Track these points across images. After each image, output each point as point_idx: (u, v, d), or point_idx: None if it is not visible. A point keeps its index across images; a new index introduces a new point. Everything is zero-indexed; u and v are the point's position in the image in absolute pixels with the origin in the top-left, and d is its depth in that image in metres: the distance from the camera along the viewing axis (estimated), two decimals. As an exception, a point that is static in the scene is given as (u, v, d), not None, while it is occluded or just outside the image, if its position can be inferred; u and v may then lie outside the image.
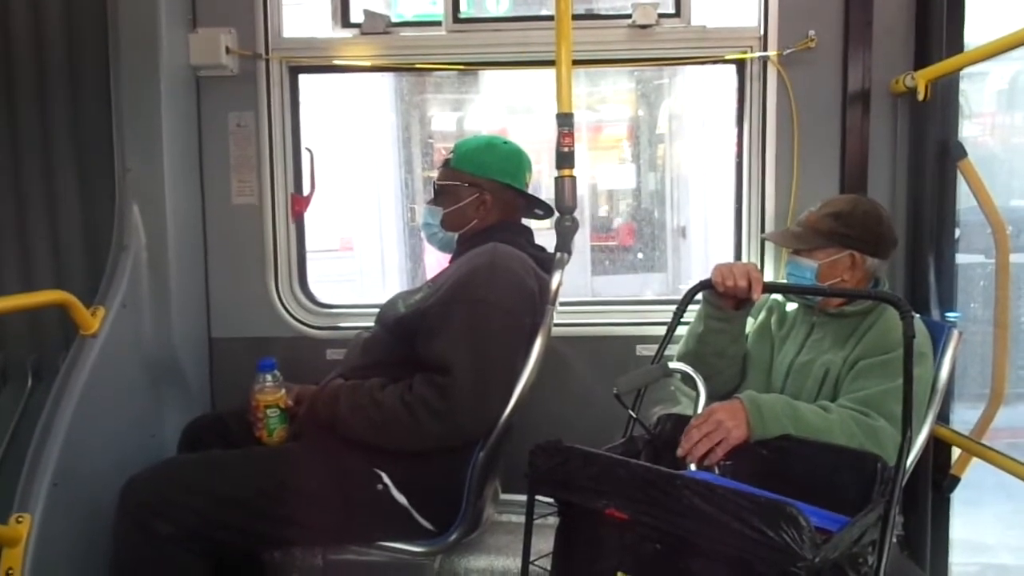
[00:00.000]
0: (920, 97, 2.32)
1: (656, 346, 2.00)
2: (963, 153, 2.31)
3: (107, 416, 2.17)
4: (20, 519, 1.86)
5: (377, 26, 2.68)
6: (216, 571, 1.96)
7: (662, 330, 2.00)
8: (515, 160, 2.23)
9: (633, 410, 1.81)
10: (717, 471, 1.79)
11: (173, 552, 1.85)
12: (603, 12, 2.69)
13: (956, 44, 2.37)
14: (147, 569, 1.86)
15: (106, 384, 2.16)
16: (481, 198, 2.18)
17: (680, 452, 1.71)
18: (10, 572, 1.82)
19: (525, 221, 2.30)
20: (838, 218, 2.04)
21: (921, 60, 2.45)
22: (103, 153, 2.47)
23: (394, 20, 2.74)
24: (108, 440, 2.16)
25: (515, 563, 2.07)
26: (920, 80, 2.32)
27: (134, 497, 1.89)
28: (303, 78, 2.78)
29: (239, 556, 2.05)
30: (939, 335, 2.07)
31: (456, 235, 2.23)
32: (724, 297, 1.93)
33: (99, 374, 2.12)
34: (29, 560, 1.85)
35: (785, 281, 2.22)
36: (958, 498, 2.40)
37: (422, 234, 2.35)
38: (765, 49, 2.58)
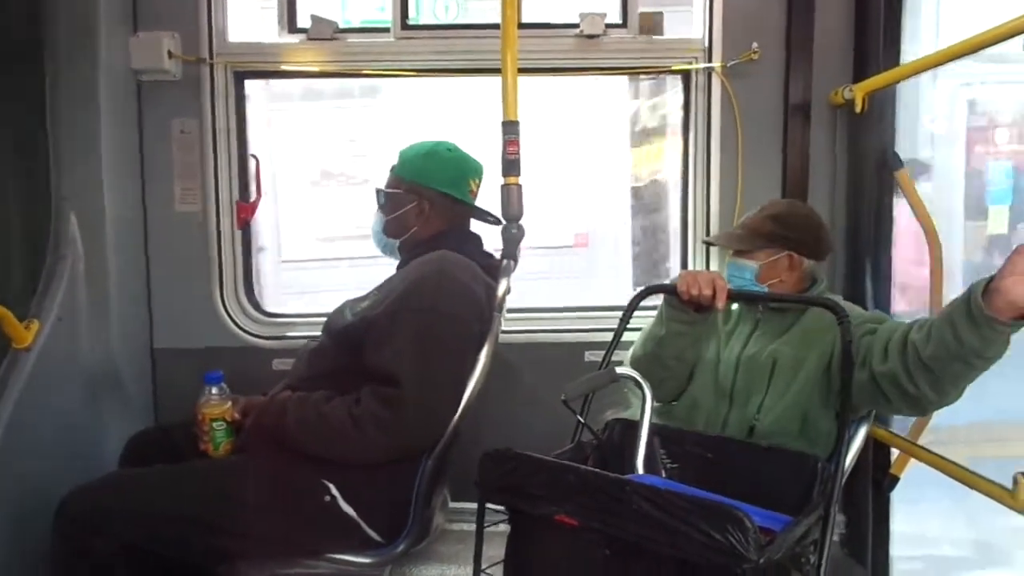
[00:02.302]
0: (858, 109, 2.39)
1: (603, 351, 2.03)
2: (900, 164, 2.38)
3: (42, 432, 2.10)
4: None
5: (324, 32, 2.66)
6: (160, 586, 1.92)
7: (610, 336, 2.02)
8: (455, 167, 2.18)
9: (582, 416, 1.82)
10: (664, 474, 1.82)
11: (112, 570, 1.79)
12: (552, 22, 2.69)
13: (892, 58, 2.45)
14: None
15: (41, 399, 2.09)
16: (420, 206, 2.16)
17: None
18: None
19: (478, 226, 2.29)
20: (777, 220, 2.11)
21: (859, 73, 2.53)
22: (39, 159, 2.39)
23: (341, 26, 2.72)
24: (44, 457, 2.09)
25: (466, 571, 2.06)
26: (858, 92, 2.39)
27: (71, 513, 1.83)
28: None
29: (184, 572, 2.00)
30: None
31: (398, 243, 2.21)
32: (687, 303, 1.95)
33: (33, 389, 2.05)
34: None
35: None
36: (900, 495, 2.47)
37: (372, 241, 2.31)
38: (710, 60, 2.63)
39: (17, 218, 2.50)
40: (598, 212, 6.45)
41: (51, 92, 2.34)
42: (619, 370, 1.78)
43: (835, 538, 1.45)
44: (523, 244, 2.16)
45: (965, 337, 1.54)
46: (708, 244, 2.68)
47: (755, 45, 2.58)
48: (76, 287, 2.31)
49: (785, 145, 2.63)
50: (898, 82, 2.35)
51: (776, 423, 1.94)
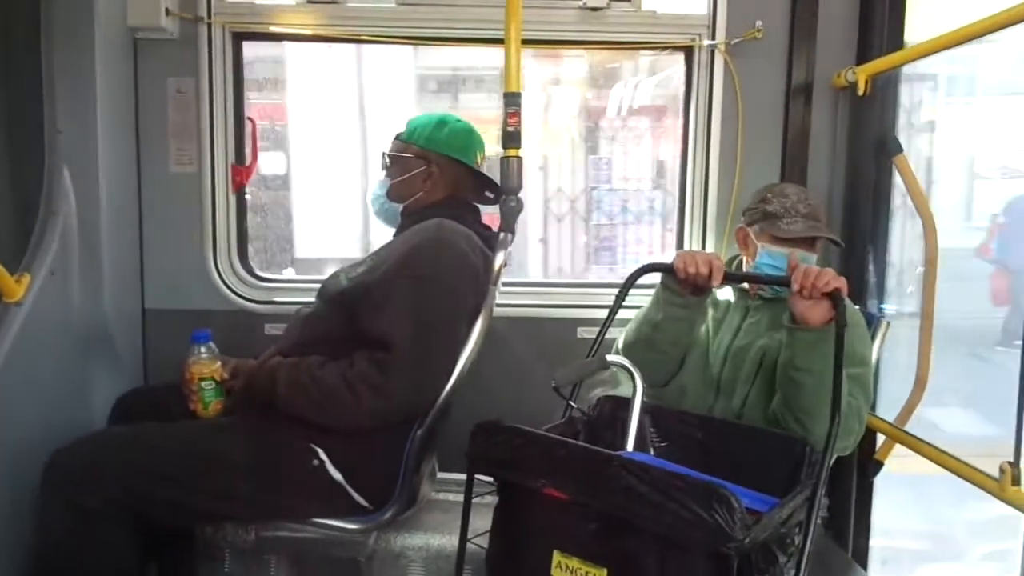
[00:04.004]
0: (860, 92, 2.38)
1: (597, 329, 2.03)
2: (899, 148, 2.38)
3: (32, 387, 2.09)
4: None
5: (326, -7, 2.62)
6: (145, 547, 1.92)
7: (604, 313, 2.01)
8: (465, 137, 2.23)
9: (572, 398, 1.83)
10: (652, 452, 1.83)
11: (100, 527, 1.80)
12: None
13: (896, 41, 2.43)
14: (72, 545, 1.80)
15: (31, 354, 2.08)
16: (428, 170, 2.18)
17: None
18: None
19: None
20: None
21: (862, 56, 2.51)
22: (33, 114, 2.36)
23: (343, -11, 2.68)
24: (32, 412, 2.08)
25: (451, 541, 2.08)
26: (860, 75, 2.37)
27: (59, 470, 1.83)
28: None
29: (169, 531, 2.01)
30: (870, 324, 2.15)
31: (401, 207, 2.22)
32: (683, 284, 1.94)
33: (23, 343, 2.04)
34: None
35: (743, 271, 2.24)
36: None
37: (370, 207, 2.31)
38: (713, 37, 2.61)
39: (9, 174, 2.48)
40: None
41: (46, 47, 2.30)
42: (609, 358, 1.79)
43: (818, 521, 1.45)
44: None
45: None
46: (707, 228, 2.65)
47: (759, 23, 2.55)
48: (69, 244, 2.29)
49: (786, 126, 2.61)
50: (902, 66, 2.34)
51: (761, 416, 1.94)
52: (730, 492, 1.18)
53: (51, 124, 2.32)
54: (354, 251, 5.39)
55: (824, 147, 2.61)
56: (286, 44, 3.79)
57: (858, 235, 2.51)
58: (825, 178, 2.61)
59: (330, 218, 6.04)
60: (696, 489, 1.20)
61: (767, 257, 2.02)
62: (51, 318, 2.19)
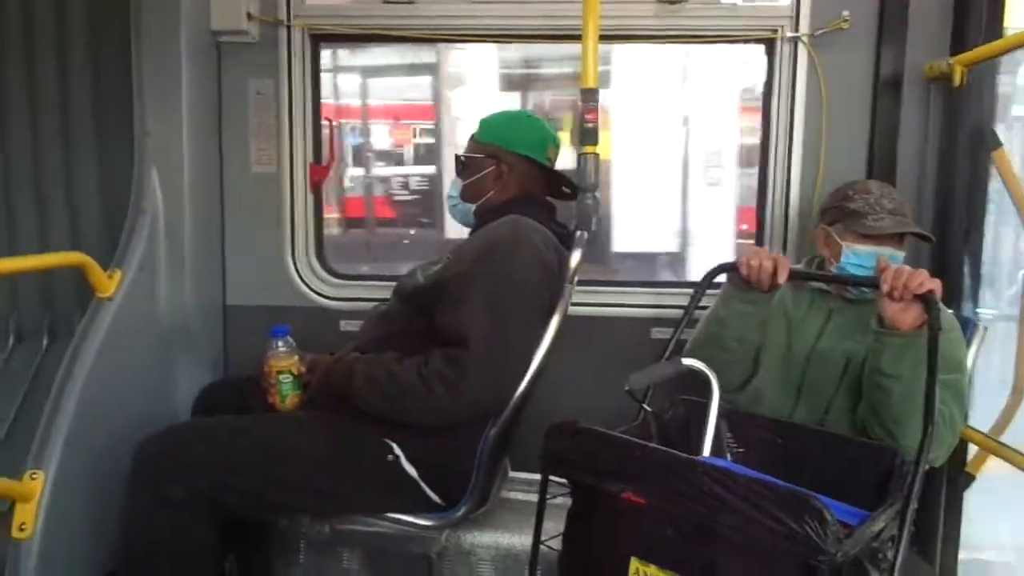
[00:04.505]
0: (955, 83, 2.26)
1: (672, 329, 1.99)
2: (998, 143, 2.25)
3: (121, 379, 2.17)
4: (34, 476, 1.87)
5: (401, -6, 2.64)
6: (225, 537, 1.97)
7: (678, 313, 1.97)
8: (537, 134, 2.21)
9: (645, 401, 1.79)
10: (729, 457, 1.78)
11: (183, 516, 1.84)
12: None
13: (995, 29, 2.30)
14: (157, 532, 1.85)
15: (121, 347, 2.16)
16: (499, 170, 2.18)
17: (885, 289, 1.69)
18: (23, 527, 1.83)
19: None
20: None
21: (958, 45, 2.38)
22: (122, 116, 2.45)
23: (419, -12, 2.69)
24: (121, 402, 2.16)
25: (521, 541, 2.07)
26: (956, 66, 2.25)
27: (146, 461, 1.89)
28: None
29: (248, 523, 2.06)
30: (965, 330, 2.04)
31: (474, 207, 2.22)
32: (749, 280, 1.89)
33: (114, 337, 2.12)
34: (42, 516, 1.86)
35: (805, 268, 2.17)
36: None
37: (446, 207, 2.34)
38: (796, 29, 2.52)
39: (99, 174, 2.59)
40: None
41: (135, 51, 2.40)
42: (685, 361, 1.75)
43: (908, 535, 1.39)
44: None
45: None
46: (789, 225, 2.57)
47: (845, 13, 2.45)
48: (156, 241, 2.37)
49: (873, 120, 2.50)
50: (1001, 55, 2.21)
51: (847, 425, 1.87)
52: (822, 503, 1.13)
53: (140, 125, 2.41)
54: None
55: (914, 142, 2.49)
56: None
57: (951, 235, 2.39)
58: (915, 174, 2.49)
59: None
60: (785, 499, 1.15)
61: (853, 257, 1.95)
62: (139, 313, 2.27)
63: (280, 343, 2.04)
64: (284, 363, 2.03)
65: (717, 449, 1.74)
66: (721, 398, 1.73)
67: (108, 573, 2.03)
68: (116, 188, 2.51)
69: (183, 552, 1.87)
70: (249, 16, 2.56)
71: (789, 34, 2.53)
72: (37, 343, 2.62)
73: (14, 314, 2.64)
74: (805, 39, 2.50)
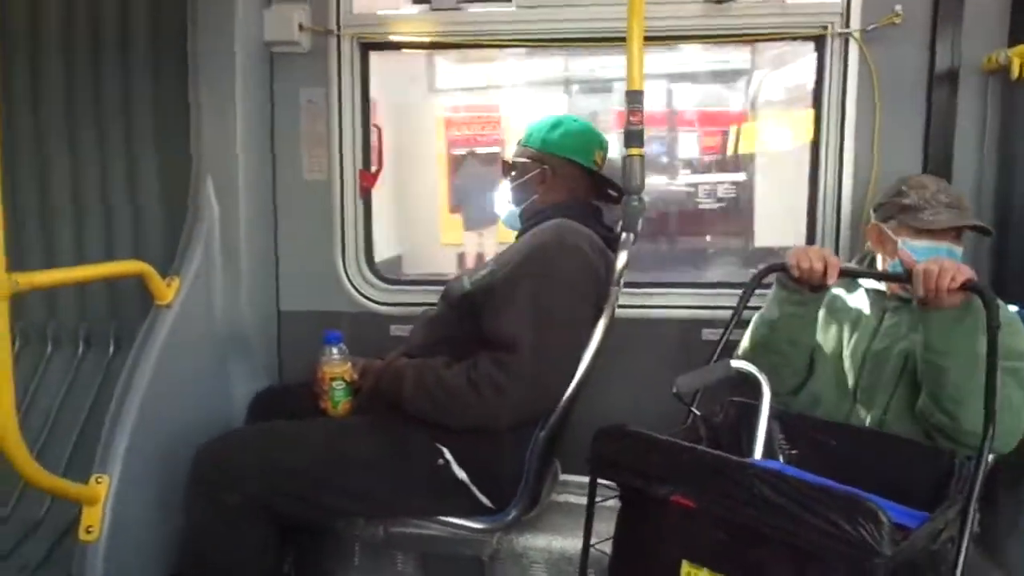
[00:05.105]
0: (1014, 75, 2.19)
1: (722, 330, 1.97)
2: None
3: (179, 385, 2.23)
4: (99, 479, 1.93)
5: (447, 1, 2.67)
6: (281, 540, 2.01)
7: (728, 314, 1.95)
8: (582, 138, 2.23)
9: (694, 404, 1.78)
10: (781, 459, 1.75)
11: (240, 521, 1.90)
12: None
13: (1056, 19, 2.23)
14: (216, 537, 1.91)
15: (179, 353, 2.22)
16: (543, 173, 2.20)
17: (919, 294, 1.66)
18: (90, 529, 1.89)
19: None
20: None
21: (1016, 36, 2.31)
22: (181, 126, 2.53)
23: (465, -5, 2.72)
24: (180, 407, 2.22)
25: (572, 544, 2.07)
26: (1015, 57, 2.18)
27: (202, 469, 1.95)
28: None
29: (304, 526, 2.09)
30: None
31: (519, 211, 2.24)
32: (799, 281, 1.86)
33: (173, 343, 2.18)
34: (108, 519, 1.92)
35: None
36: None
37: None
38: (847, 25, 2.47)
39: (159, 183, 2.67)
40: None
41: (192, 63, 2.47)
42: (734, 363, 1.73)
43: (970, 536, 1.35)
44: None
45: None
46: (840, 224, 2.52)
47: (898, 7, 2.39)
48: (212, 249, 2.43)
49: (928, 116, 2.43)
50: (1063, 46, 2.14)
51: (907, 427, 1.82)
52: (877, 505, 1.10)
53: (196, 135, 2.47)
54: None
55: (972, 136, 2.42)
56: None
57: (1011, 229, 2.32)
58: (973, 169, 2.42)
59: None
60: (839, 501, 1.13)
61: (909, 252, 1.90)
62: (196, 320, 2.33)
63: (334, 350, 2.08)
64: (337, 370, 2.07)
65: (769, 451, 1.72)
66: (775, 400, 1.71)
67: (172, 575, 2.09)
68: (176, 197, 2.58)
69: (242, 556, 1.92)
70: (300, 27, 2.61)
71: (839, 30, 2.48)
72: (104, 350, 2.70)
73: (84, 323, 2.73)
74: (856, 35, 2.45)
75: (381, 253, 2.97)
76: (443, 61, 3.97)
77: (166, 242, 2.60)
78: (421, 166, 4.01)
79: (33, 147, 2.72)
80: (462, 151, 4.09)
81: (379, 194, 2.90)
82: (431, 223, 4.13)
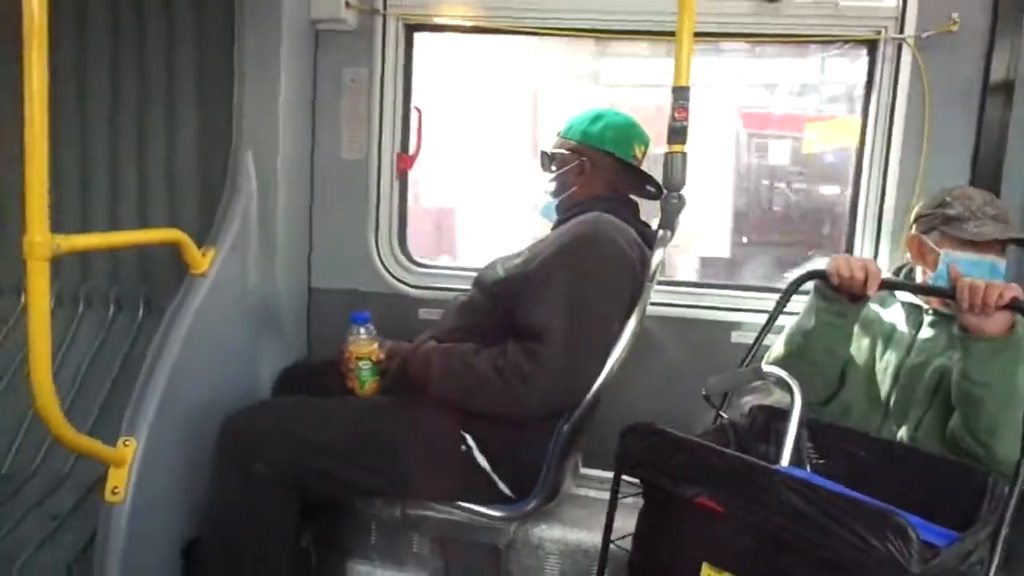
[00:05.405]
0: (1071, 90, 2.14)
1: (754, 334, 1.94)
2: None
3: (210, 353, 2.25)
4: (127, 442, 1.96)
5: (495, -15, 2.65)
6: (302, 513, 2.03)
7: (760, 318, 1.92)
8: (621, 131, 2.21)
9: (722, 409, 1.76)
10: (808, 468, 1.73)
11: (266, 491, 1.91)
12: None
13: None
14: (240, 505, 1.93)
15: (211, 323, 2.24)
16: (581, 165, 2.19)
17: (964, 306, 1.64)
18: (116, 490, 1.92)
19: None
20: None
21: (1076, 49, 2.25)
22: (223, 98, 2.54)
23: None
24: (209, 376, 2.24)
25: (589, 537, 2.07)
26: (1073, 71, 2.13)
27: (232, 436, 1.96)
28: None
29: (324, 501, 2.11)
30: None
31: (557, 202, 2.23)
32: (838, 290, 1.83)
33: (205, 313, 2.20)
34: (133, 481, 1.94)
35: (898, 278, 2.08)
36: None
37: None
38: (902, 31, 2.42)
39: (197, 154, 2.69)
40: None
41: (238, 36, 2.48)
42: (766, 368, 1.71)
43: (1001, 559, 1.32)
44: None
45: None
46: (881, 234, 2.48)
47: (955, 15, 2.34)
48: (248, 222, 2.45)
49: (979, 128, 2.38)
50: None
51: (938, 444, 1.79)
52: (907, 521, 1.08)
53: (239, 108, 2.49)
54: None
55: (1023, 151, 2.37)
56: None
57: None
58: (1022, 184, 2.37)
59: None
60: (868, 514, 1.11)
61: (964, 265, 1.84)
62: (229, 291, 2.35)
63: (361, 329, 2.08)
64: (364, 350, 2.07)
65: (797, 459, 1.69)
66: (805, 409, 1.68)
67: (193, 540, 2.12)
68: (214, 168, 2.60)
69: (264, 525, 1.94)
70: (347, 4, 2.61)
71: (893, 35, 2.43)
72: (135, 314, 2.74)
73: (116, 286, 2.77)
74: (911, 41, 2.40)
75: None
76: (608, 56, 3.83)
77: (201, 213, 2.62)
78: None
79: (76, 115, 2.74)
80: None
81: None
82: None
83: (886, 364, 1.93)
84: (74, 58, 2.72)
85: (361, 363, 2.08)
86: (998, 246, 1.86)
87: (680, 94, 1.98)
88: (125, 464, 1.94)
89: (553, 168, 2.24)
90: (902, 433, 1.85)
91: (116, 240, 2.26)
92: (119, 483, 1.92)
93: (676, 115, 2.00)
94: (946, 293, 1.76)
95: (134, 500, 1.93)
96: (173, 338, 2.13)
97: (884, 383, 1.92)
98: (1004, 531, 1.30)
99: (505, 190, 5.01)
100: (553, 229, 2.21)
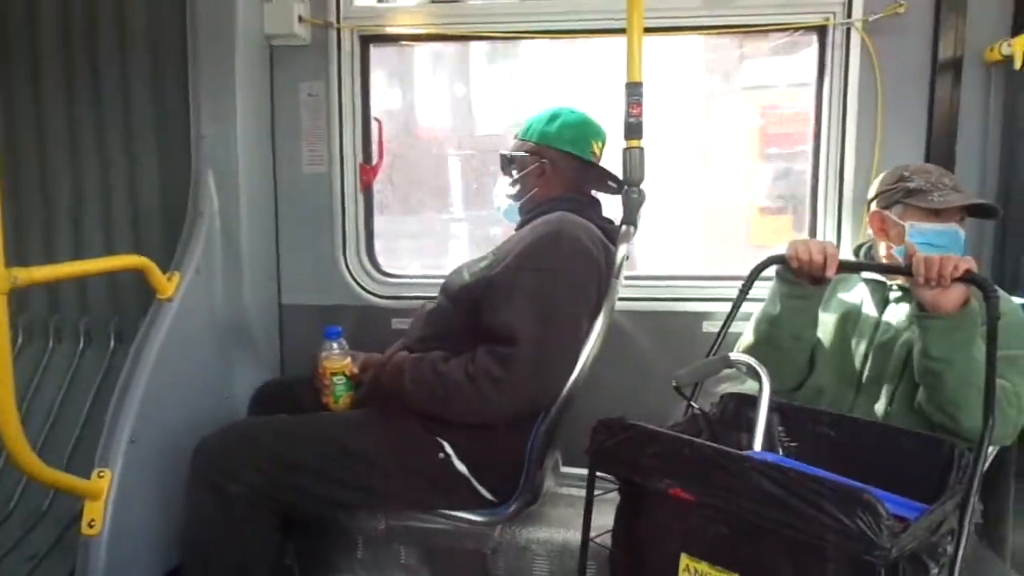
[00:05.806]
0: (1018, 65, 2.18)
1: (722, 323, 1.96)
2: None
3: (181, 378, 2.24)
4: (101, 474, 1.94)
5: (448, -7, 2.66)
6: (283, 531, 2.01)
7: (729, 307, 1.94)
8: (579, 129, 2.21)
9: (693, 399, 1.77)
10: (781, 452, 1.75)
11: (242, 512, 1.90)
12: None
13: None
14: (219, 527, 1.91)
15: (181, 347, 2.22)
16: (542, 167, 2.19)
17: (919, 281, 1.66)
18: (92, 523, 1.90)
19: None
20: None
21: (1020, 26, 2.30)
22: (181, 121, 2.52)
23: (466, -13, 2.71)
24: (182, 401, 2.23)
25: (575, 536, 2.05)
26: (1017, 47, 2.18)
27: (206, 459, 1.95)
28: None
29: (305, 518, 2.10)
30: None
31: (519, 204, 2.23)
32: (799, 274, 1.85)
33: (174, 337, 2.19)
34: (110, 513, 1.92)
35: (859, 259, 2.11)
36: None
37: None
38: (849, 15, 2.46)
39: (159, 179, 2.67)
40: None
41: (192, 57, 2.47)
42: (733, 356, 1.72)
43: (971, 528, 1.34)
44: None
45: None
46: (842, 217, 2.51)
47: None
48: (212, 243, 2.43)
49: (931, 107, 2.43)
50: (1067, 36, 2.13)
51: (910, 417, 1.81)
52: (875, 497, 1.10)
53: (196, 129, 2.47)
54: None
55: (975, 128, 2.42)
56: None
57: (1014, 220, 2.31)
58: (976, 160, 2.42)
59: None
60: (837, 493, 1.13)
61: (918, 235, 1.87)
62: (197, 313, 2.33)
63: (334, 344, 2.08)
64: (337, 365, 2.07)
65: (769, 443, 1.71)
66: (776, 394, 1.70)
67: (175, 568, 2.10)
68: (177, 192, 2.58)
69: (243, 547, 1.92)
70: (300, 19, 2.61)
71: (842, 21, 2.47)
72: (105, 345, 2.71)
73: (85, 318, 2.74)
74: (859, 25, 2.44)
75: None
76: (750, 56, 3.77)
77: (166, 238, 2.60)
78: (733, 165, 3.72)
79: (34, 145, 2.72)
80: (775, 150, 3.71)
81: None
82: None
83: (855, 343, 1.96)
84: (29, 88, 2.69)
85: (335, 378, 2.08)
86: (959, 216, 1.89)
87: (633, 90, 2.00)
88: (101, 496, 1.92)
89: (513, 172, 2.23)
90: (877, 407, 1.87)
91: (77, 269, 2.24)
92: (95, 516, 1.91)
93: (631, 111, 2.02)
94: (902, 270, 1.78)
95: (111, 532, 1.91)
96: (142, 366, 2.11)
97: (855, 362, 1.94)
98: (973, 500, 1.32)
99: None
100: (516, 231, 2.21)
